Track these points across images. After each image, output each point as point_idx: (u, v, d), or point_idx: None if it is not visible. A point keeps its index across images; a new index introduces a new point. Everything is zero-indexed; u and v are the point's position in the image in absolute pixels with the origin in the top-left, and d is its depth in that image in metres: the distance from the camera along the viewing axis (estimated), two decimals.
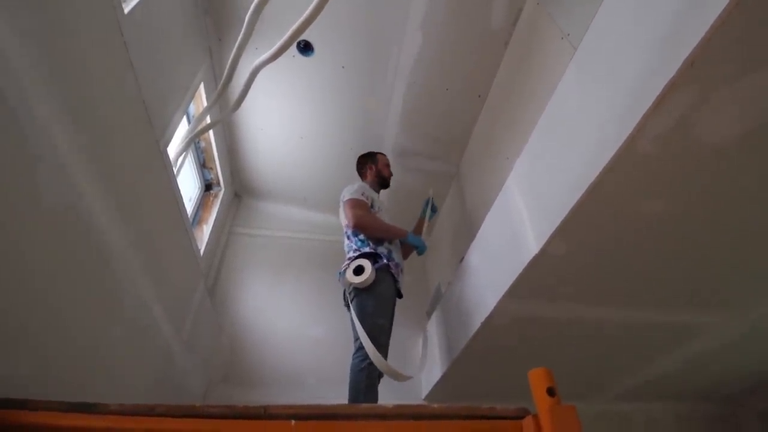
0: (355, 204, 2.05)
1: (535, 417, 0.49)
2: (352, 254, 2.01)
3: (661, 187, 1.05)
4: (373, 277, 1.83)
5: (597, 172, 1.01)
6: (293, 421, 0.47)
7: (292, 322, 2.69)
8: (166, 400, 1.69)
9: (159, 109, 1.76)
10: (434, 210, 2.46)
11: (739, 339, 1.87)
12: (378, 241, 2.04)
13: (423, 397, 2.38)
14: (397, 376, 1.72)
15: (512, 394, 1.42)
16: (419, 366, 2.14)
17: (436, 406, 0.52)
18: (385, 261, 1.94)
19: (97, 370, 1.21)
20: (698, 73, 0.80)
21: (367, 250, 1.97)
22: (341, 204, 2.17)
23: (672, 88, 0.83)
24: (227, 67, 1.79)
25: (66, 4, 0.98)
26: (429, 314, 2.54)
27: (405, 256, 2.26)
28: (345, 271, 1.95)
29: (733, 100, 0.86)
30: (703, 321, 1.72)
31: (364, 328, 1.72)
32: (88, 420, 0.47)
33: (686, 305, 1.59)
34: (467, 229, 2.42)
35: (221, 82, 1.86)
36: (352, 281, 1.83)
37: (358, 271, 1.86)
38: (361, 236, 2.05)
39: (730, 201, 1.11)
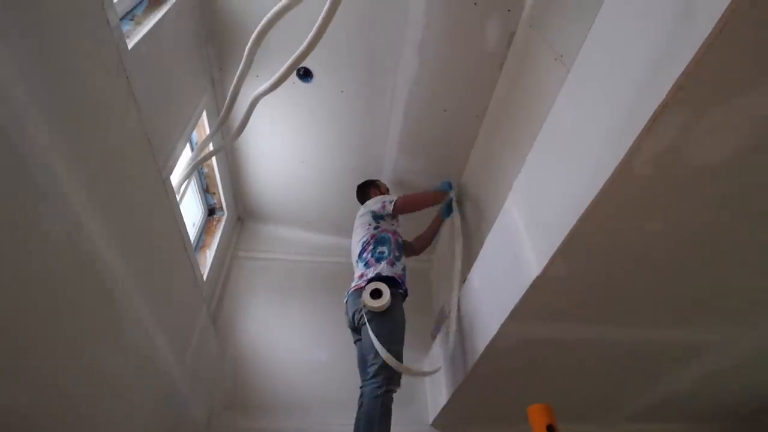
0: (386, 198, 2.30)
1: None
2: (364, 270, 2.01)
3: (658, 207, 1.05)
4: (390, 302, 1.83)
5: (594, 193, 1.00)
6: None
7: (297, 346, 2.66)
8: (168, 429, 1.67)
9: (162, 139, 1.80)
10: (449, 210, 2.52)
11: (749, 356, 1.83)
12: (398, 256, 2.08)
13: (430, 422, 2.34)
14: (417, 373, 1.73)
15: (520, 417, 1.39)
16: (446, 346, 2.04)
17: None
18: (402, 288, 1.97)
19: (98, 399, 1.20)
20: (688, 95, 0.81)
21: (385, 271, 1.97)
22: (365, 216, 2.24)
23: (663, 110, 0.83)
24: (228, 96, 1.83)
25: (69, 41, 1.01)
26: (434, 336, 2.51)
27: (432, 236, 2.61)
28: (357, 291, 1.94)
29: (723, 122, 0.86)
30: (710, 339, 1.69)
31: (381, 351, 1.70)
32: None
33: (691, 323, 1.57)
34: (469, 250, 2.41)
35: (223, 110, 1.90)
36: (369, 305, 1.82)
37: (376, 294, 1.85)
38: (381, 249, 2.06)
39: (727, 219, 1.10)
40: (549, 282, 1.26)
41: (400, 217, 2.36)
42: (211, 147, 2.17)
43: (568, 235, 1.11)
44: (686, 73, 0.76)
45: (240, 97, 1.94)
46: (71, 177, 1.02)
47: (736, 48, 0.74)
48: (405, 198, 2.31)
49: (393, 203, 2.24)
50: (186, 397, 1.82)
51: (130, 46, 1.46)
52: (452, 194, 2.51)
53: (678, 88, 0.79)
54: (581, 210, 1.04)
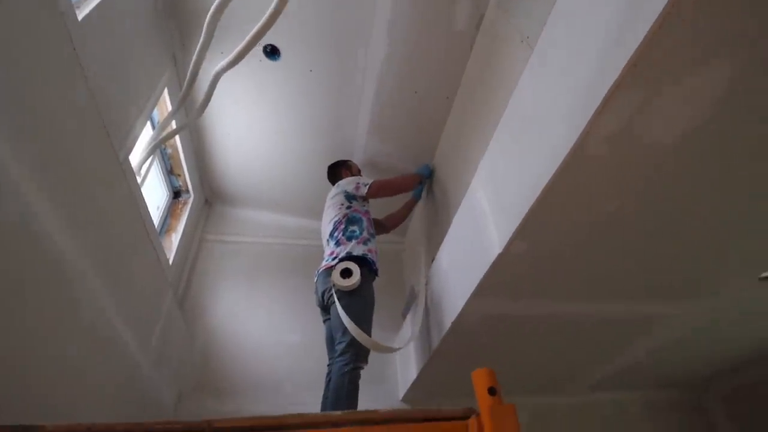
0: (361, 179, 2.28)
1: (479, 417, 0.50)
2: (334, 248, 2.01)
3: (613, 186, 1.09)
4: (360, 281, 1.84)
5: (552, 173, 1.03)
6: None
7: (267, 329, 2.66)
8: (133, 413, 1.65)
9: (118, 116, 1.72)
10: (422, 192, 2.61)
11: (699, 328, 1.95)
12: (369, 236, 2.09)
13: (400, 398, 2.39)
14: (385, 349, 1.77)
15: None
16: (411, 331, 2.10)
17: (384, 410, 0.53)
18: (373, 268, 1.97)
19: (58, 385, 1.17)
20: (641, 74, 0.83)
21: (356, 250, 1.97)
22: (338, 196, 2.23)
23: (617, 89, 0.86)
24: (189, 71, 1.76)
25: (9, 7, 0.95)
26: (404, 315, 2.55)
27: (404, 216, 2.61)
28: (327, 270, 1.94)
29: (674, 101, 0.90)
30: (665, 311, 1.79)
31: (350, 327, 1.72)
32: None
33: (647, 297, 1.65)
34: (438, 231, 2.45)
35: (184, 86, 1.83)
36: (339, 284, 1.83)
37: (346, 273, 1.86)
38: (353, 228, 2.06)
39: (679, 198, 1.16)
40: (510, 260, 1.30)
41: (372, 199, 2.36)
42: (173, 126, 2.10)
43: (527, 214, 1.14)
44: (638, 52, 0.78)
45: (203, 75, 1.88)
46: (16, 158, 0.96)
47: (687, 27, 0.76)
48: (380, 182, 2.28)
49: (368, 186, 2.22)
50: (152, 380, 1.79)
51: (80, 17, 1.38)
52: (425, 177, 2.54)
53: (631, 65, 0.81)
54: (539, 189, 1.07)
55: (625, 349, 2.10)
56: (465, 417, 0.53)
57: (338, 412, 0.50)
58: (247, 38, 1.55)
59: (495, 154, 1.36)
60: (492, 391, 0.48)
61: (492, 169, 1.39)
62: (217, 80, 1.80)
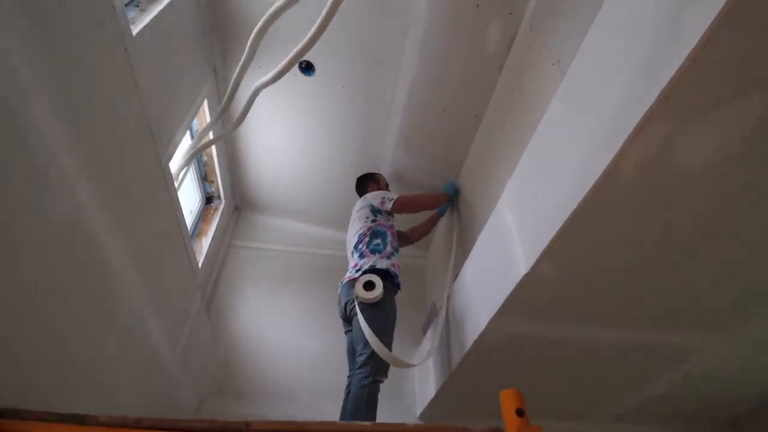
0: (386, 194, 2.29)
1: None
2: (358, 261, 2.04)
3: (644, 210, 1.08)
4: (382, 294, 1.86)
5: (581, 196, 1.03)
6: None
7: (289, 336, 2.69)
8: (158, 413, 1.69)
9: (162, 126, 1.82)
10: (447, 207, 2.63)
11: (730, 361, 1.87)
12: (393, 250, 2.11)
13: (417, 415, 2.37)
14: (404, 365, 1.77)
15: None
16: (430, 346, 2.10)
17: (411, 425, 0.54)
18: (396, 281, 2.00)
19: (89, 381, 1.22)
20: (672, 106, 0.84)
21: (379, 263, 1.99)
22: (364, 209, 2.26)
23: (649, 119, 0.86)
24: (230, 86, 1.84)
25: (74, 26, 1.03)
26: (424, 331, 2.55)
27: (428, 230, 2.67)
28: (350, 282, 1.97)
29: (706, 131, 0.89)
30: (694, 342, 1.72)
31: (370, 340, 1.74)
32: (78, 431, 0.49)
33: (676, 325, 1.61)
34: (462, 248, 2.45)
35: (224, 100, 1.92)
36: (362, 296, 1.85)
37: (369, 286, 1.88)
38: (377, 242, 2.09)
39: (711, 223, 1.14)
40: (537, 281, 1.30)
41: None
42: (211, 135, 2.19)
43: (555, 235, 1.14)
44: (671, 84, 0.79)
45: (241, 88, 1.96)
46: (72, 160, 1.04)
47: (720, 59, 0.76)
48: (404, 198, 2.30)
49: (393, 201, 2.25)
50: (177, 381, 1.85)
51: (134, 33, 1.48)
52: (452, 197, 2.56)
53: (663, 98, 0.82)
54: (569, 212, 1.07)
55: (653, 379, 2.03)
56: None
57: (369, 423, 0.52)
58: (289, 56, 1.62)
59: (523, 175, 1.37)
60: (520, 413, 0.49)
61: (520, 188, 1.39)
62: (256, 95, 1.88)
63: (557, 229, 1.12)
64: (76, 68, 1.05)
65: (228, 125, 2.30)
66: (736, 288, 1.42)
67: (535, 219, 1.26)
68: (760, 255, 1.25)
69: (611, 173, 0.97)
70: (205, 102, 2.31)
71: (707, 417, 2.55)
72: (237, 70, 1.81)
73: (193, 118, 2.17)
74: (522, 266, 1.29)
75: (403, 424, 0.53)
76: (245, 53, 1.76)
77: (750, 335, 1.68)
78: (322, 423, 0.51)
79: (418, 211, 2.47)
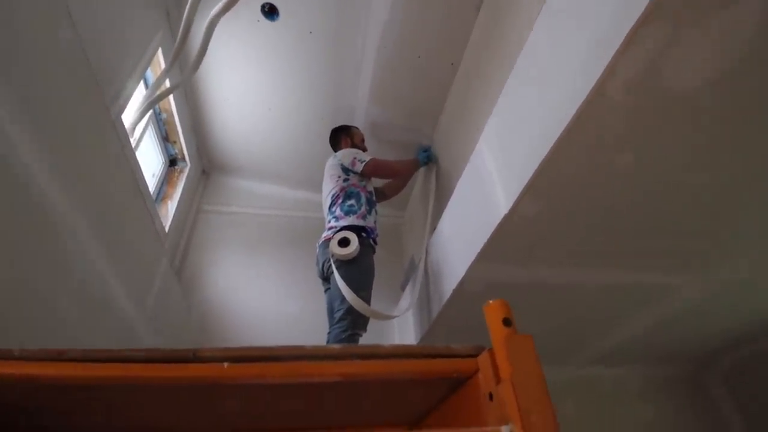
0: (358, 155, 2.17)
1: (491, 351, 0.46)
2: (334, 223, 1.98)
3: (630, 138, 1.03)
4: (358, 250, 1.81)
5: (565, 124, 0.97)
6: (226, 364, 0.43)
7: (267, 300, 2.64)
8: None
9: (109, 71, 1.65)
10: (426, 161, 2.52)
11: (701, 302, 1.91)
12: (368, 210, 2.03)
13: None
14: (382, 317, 1.76)
15: None
16: (409, 299, 2.09)
17: (389, 345, 0.49)
18: (371, 237, 1.94)
19: (48, 339, 1.13)
20: (665, 13, 0.77)
21: (355, 222, 1.94)
22: (335, 167, 2.16)
23: (639, 29, 0.79)
24: (183, 21, 1.67)
25: None
26: (403, 287, 2.52)
27: (405, 183, 2.52)
28: (326, 242, 1.92)
29: (701, 42, 0.83)
30: (670, 282, 1.74)
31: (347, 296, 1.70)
32: None
33: (655, 266, 1.61)
34: (440, 203, 2.40)
35: (178, 37, 1.75)
36: (337, 253, 1.80)
37: (343, 243, 1.83)
38: (351, 203, 2.01)
39: (699, 154, 1.10)
40: (517, 221, 1.26)
41: None
42: (168, 85, 2.02)
43: (537, 169, 1.08)
44: None
45: (197, 28, 1.79)
46: None
47: None
48: (376, 162, 2.17)
49: (364, 164, 2.13)
50: (148, 345, 1.77)
51: None
52: (423, 163, 2.50)
53: (656, 4, 0.74)
54: (553, 140, 1.01)
55: (626, 321, 2.07)
56: (475, 354, 0.49)
57: (338, 346, 0.46)
58: None
59: (504, 110, 1.30)
60: (507, 322, 0.44)
61: (500, 126, 1.32)
62: (212, 29, 1.72)
63: (539, 162, 1.06)
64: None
65: (186, 70, 2.12)
66: (716, 230, 1.41)
67: (516, 155, 1.20)
68: (744, 191, 1.24)
69: (597, 97, 0.91)
70: (160, 51, 2.12)
71: (676, 359, 2.67)
72: (189, 2, 1.64)
73: (146, 67, 1.98)
74: (502, 206, 1.24)
75: (378, 346, 0.47)
76: None
77: (723, 277, 1.71)
78: (287, 347, 0.45)
79: (389, 177, 2.40)
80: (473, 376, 0.49)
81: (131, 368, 0.43)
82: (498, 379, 0.44)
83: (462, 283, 1.59)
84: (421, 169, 2.58)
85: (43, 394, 0.46)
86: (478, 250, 1.41)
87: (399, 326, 2.44)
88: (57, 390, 0.44)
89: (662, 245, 1.48)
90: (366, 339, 1.79)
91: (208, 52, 1.95)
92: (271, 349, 0.45)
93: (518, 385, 0.42)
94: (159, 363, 0.43)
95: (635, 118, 0.97)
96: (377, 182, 2.38)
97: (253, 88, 2.51)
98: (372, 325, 1.85)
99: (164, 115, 2.50)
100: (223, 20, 1.90)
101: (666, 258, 1.56)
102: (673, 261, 1.59)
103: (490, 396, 0.46)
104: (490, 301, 0.48)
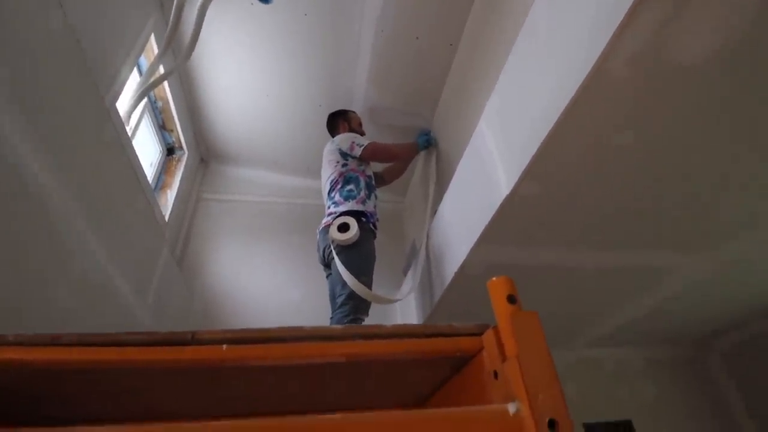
0: (357, 139, 2.14)
1: (495, 329, 0.45)
2: (333, 209, 1.97)
3: (632, 116, 1.01)
4: (358, 234, 1.80)
5: (567, 102, 0.95)
6: (225, 346, 0.42)
7: (269, 287, 2.64)
8: None
9: (101, 58, 1.62)
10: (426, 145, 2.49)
11: (701, 283, 1.91)
12: (367, 195, 2.02)
13: None
14: (384, 300, 1.76)
15: None
16: (411, 283, 2.07)
17: (391, 325, 0.48)
18: (371, 221, 1.93)
19: (50, 331, 1.13)
20: None
21: (354, 207, 1.92)
22: (333, 152, 2.14)
23: (641, 3, 0.77)
24: (174, 4, 1.64)
25: None
26: (405, 272, 2.52)
27: (404, 168, 2.51)
28: (327, 228, 1.91)
29: (704, 16, 0.81)
30: (672, 263, 1.74)
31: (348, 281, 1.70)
32: None
33: (657, 247, 1.60)
34: (441, 186, 2.38)
35: (170, 22, 1.71)
36: (337, 238, 1.79)
37: (343, 228, 1.82)
38: (350, 188, 2.00)
39: (701, 132, 1.08)
40: (518, 202, 1.24)
41: None
42: (161, 71, 1.98)
43: (538, 150, 1.07)
44: None
45: (189, 13, 1.75)
46: None
47: None
48: (376, 146, 2.16)
49: (363, 148, 2.11)
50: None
51: None
52: (423, 147, 2.47)
53: None
54: (555, 119, 0.99)
55: (627, 303, 2.07)
56: (479, 333, 0.48)
57: (340, 326, 0.45)
58: None
59: (504, 90, 1.27)
60: (511, 299, 0.43)
61: (501, 105, 1.30)
62: (204, 13, 1.68)
63: (541, 141, 1.04)
64: None
65: (179, 56, 2.08)
66: (717, 210, 1.40)
67: (517, 134, 1.18)
68: (745, 171, 1.22)
69: (599, 73, 0.89)
70: (153, 37, 2.08)
71: (676, 339, 2.68)
72: None
73: (139, 54, 1.95)
74: (504, 187, 1.22)
75: (380, 326, 0.46)
76: None
77: (724, 258, 1.70)
78: (286, 328, 0.44)
79: (388, 161, 2.37)
80: (477, 355, 0.48)
81: (128, 351, 0.42)
82: (503, 357, 0.44)
83: (463, 267, 1.58)
84: (421, 154, 2.56)
85: (40, 380, 0.45)
86: (480, 232, 1.40)
87: (401, 310, 2.45)
88: (54, 375, 0.43)
89: (664, 226, 1.46)
90: (368, 324, 1.80)
91: (201, 37, 1.92)
92: (270, 330, 0.44)
93: (524, 362, 0.41)
94: (157, 346, 0.43)
95: (636, 95, 0.95)
96: (376, 168, 2.36)
97: (249, 74, 2.47)
98: (374, 309, 1.85)
99: (160, 104, 2.46)
100: (215, 4, 1.86)
101: (668, 238, 1.55)
102: (675, 242, 1.58)
103: (495, 374, 0.45)
104: (494, 278, 0.46)
